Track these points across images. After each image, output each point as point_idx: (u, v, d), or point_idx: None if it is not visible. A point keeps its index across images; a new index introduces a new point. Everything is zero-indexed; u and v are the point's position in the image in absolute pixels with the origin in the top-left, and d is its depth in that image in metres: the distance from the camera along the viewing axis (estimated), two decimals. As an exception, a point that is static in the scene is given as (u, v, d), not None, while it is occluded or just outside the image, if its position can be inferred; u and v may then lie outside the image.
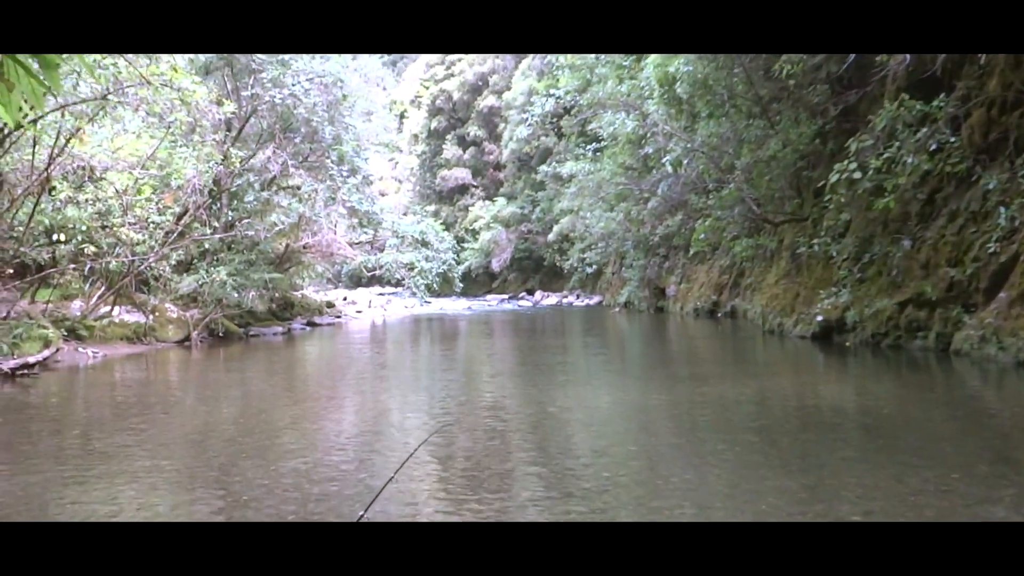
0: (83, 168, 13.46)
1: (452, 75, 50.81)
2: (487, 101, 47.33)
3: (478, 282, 44.69)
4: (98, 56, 8.71)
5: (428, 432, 5.66)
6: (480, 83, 48.66)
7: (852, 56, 10.70)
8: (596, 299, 32.77)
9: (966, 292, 9.17)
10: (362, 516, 3.13)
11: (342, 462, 4.94)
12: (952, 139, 8.15)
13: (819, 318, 11.75)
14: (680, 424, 5.99)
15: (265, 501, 4.07)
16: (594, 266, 29.97)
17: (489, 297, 40.29)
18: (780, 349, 11.70)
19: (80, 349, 13.06)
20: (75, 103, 10.59)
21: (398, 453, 4.95)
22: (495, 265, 43.44)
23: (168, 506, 4.10)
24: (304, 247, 20.74)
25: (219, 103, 11.48)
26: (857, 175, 9.69)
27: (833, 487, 3.95)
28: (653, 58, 15.26)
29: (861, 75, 11.22)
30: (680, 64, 13.22)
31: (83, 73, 9.70)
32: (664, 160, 16.33)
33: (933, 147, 8.33)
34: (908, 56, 9.25)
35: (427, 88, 53.83)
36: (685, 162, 15.39)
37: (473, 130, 49.06)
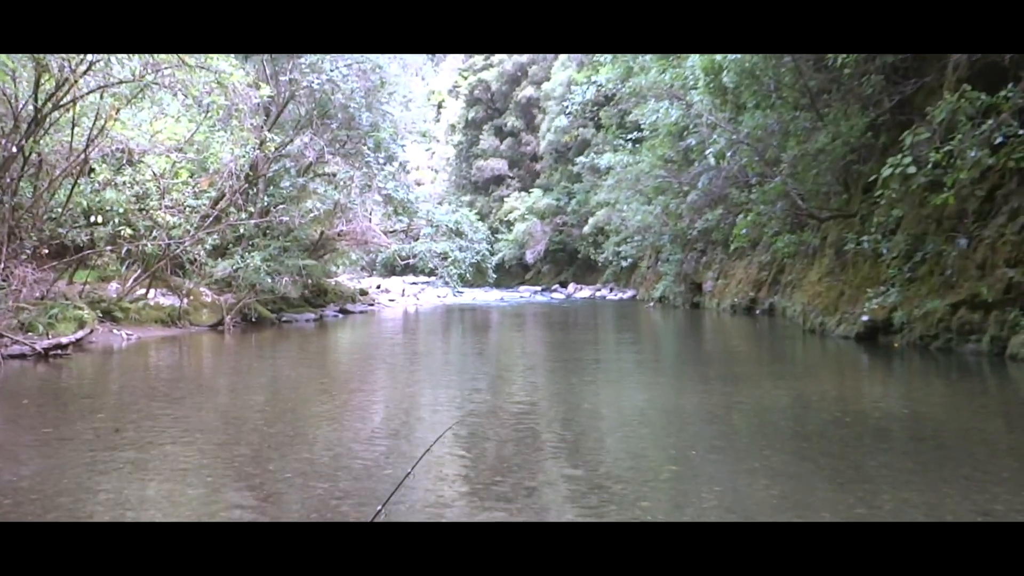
0: (122, 151, 13.51)
1: (491, 65, 50.51)
2: (525, 92, 46.97)
3: (511, 273, 44.49)
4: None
5: (444, 429, 5.45)
6: (519, 73, 48.30)
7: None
8: (630, 293, 32.33)
9: (1025, 294, 8.70)
10: (379, 512, 2.98)
11: (366, 456, 4.75)
12: (1021, 131, 7.67)
13: (864, 318, 11.30)
14: (722, 428, 5.70)
15: (290, 493, 3.89)
16: (629, 260, 29.50)
17: (522, 289, 40.05)
18: (823, 349, 11.29)
19: (114, 331, 13.13)
20: (113, 84, 10.56)
21: (420, 449, 4.75)
22: (529, 257, 43.17)
23: (195, 494, 3.94)
24: (339, 234, 20.70)
25: (256, 87, 11.38)
26: (912, 170, 9.23)
27: (894, 503, 3.64)
28: (698, 46, 14.82)
29: (919, 65, 10.71)
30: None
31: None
32: (707, 152, 15.88)
33: (999, 140, 7.85)
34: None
35: (465, 78, 53.65)
36: (728, 154, 14.92)
37: (511, 121, 48.75)
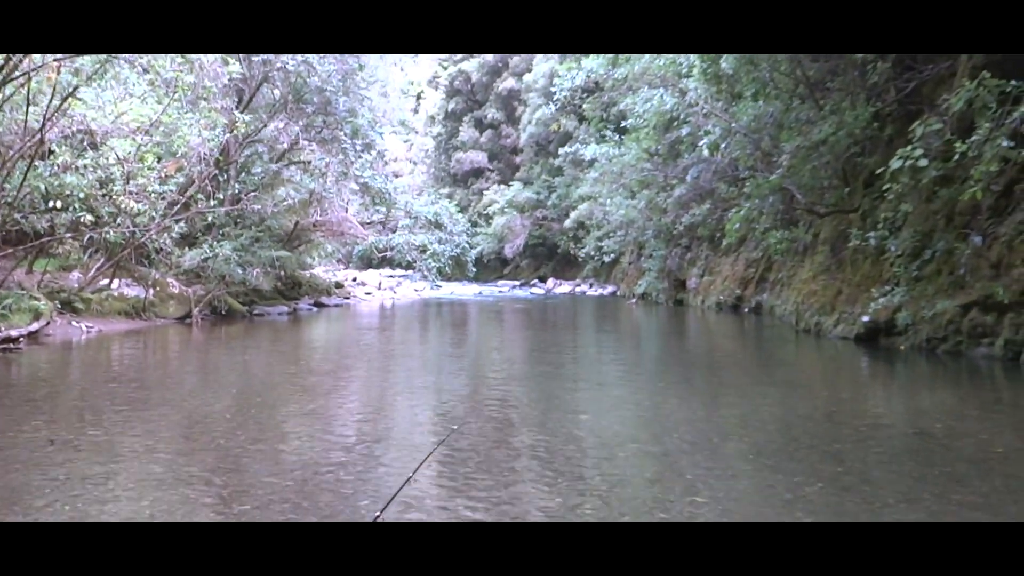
0: (83, 132, 12.67)
1: (471, 56, 49.68)
2: (506, 83, 46.26)
3: (490, 267, 43.85)
4: None
5: (441, 436, 4.82)
6: (500, 65, 47.57)
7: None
8: (610, 289, 31.83)
9: (1044, 296, 8.26)
10: (378, 516, 2.76)
11: (341, 468, 4.11)
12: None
13: (865, 319, 10.82)
14: (740, 445, 5.11)
15: (258, 507, 3.25)
16: (611, 255, 28.97)
17: (501, 283, 39.43)
18: (823, 352, 10.80)
19: (74, 323, 12.33)
20: (70, 57, 9.75)
21: (400, 474, 4.12)
22: (508, 251, 42.55)
23: (156, 507, 3.29)
24: (314, 225, 19.94)
25: (224, 63, 10.59)
26: (923, 162, 8.73)
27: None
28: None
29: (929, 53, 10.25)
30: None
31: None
32: (701, 143, 15.34)
33: (1029, 131, 7.38)
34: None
35: (445, 68, 52.72)
36: (723, 146, 14.39)
37: (491, 112, 48.02)
